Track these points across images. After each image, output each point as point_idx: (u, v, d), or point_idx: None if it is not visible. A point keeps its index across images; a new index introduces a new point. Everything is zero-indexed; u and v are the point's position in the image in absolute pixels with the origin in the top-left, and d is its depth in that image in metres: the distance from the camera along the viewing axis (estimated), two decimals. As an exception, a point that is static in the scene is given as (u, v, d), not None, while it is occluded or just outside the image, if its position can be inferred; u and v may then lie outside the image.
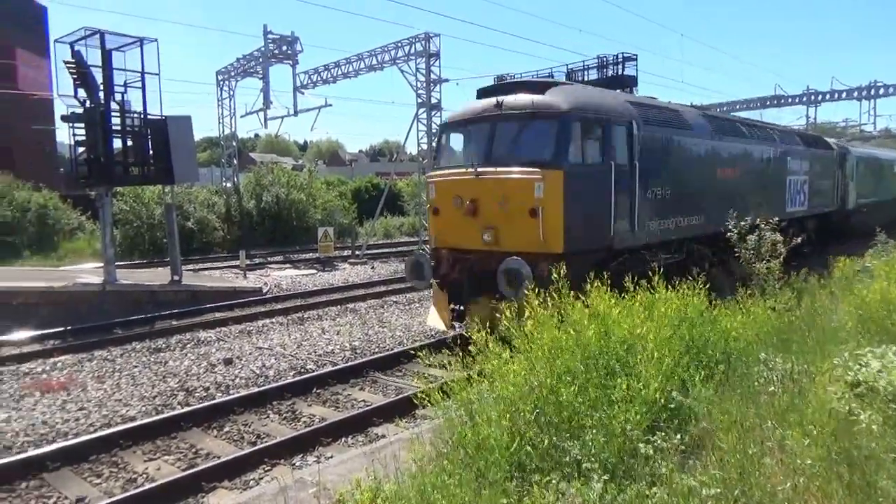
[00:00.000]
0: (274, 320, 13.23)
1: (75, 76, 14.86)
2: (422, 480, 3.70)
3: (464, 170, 9.28)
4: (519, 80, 9.85)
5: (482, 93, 10.03)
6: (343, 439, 6.86)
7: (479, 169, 8.96)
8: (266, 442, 6.75)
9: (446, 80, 25.25)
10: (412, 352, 9.47)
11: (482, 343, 4.73)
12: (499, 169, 8.79)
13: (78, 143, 15.29)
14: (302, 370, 9.46)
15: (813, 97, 44.90)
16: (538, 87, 9.31)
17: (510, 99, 9.17)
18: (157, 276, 17.13)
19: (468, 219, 9.06)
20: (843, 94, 43.77)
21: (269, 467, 6.18)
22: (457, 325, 9.92)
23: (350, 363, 9.58)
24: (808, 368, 5.36)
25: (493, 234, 8.85)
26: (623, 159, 9.45)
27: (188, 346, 11.20)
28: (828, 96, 44.29)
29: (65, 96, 15.37)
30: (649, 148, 10.02)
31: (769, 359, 5.58)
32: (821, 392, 4.68)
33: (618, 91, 11.09)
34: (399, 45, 25.48)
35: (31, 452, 6.48)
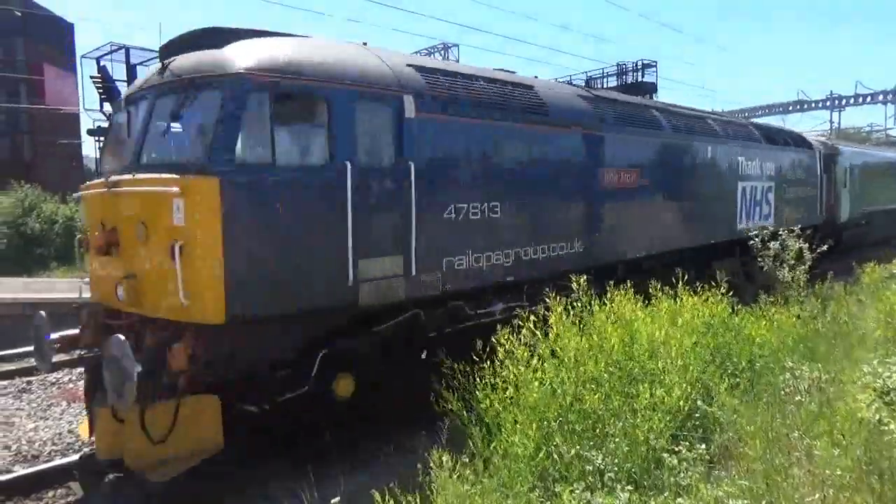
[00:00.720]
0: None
1: (101, 90, 15.20)
2: (450, 491, 3.69)
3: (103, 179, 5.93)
4: (214, 27, 6.03)
5: (164, 51, 6.25)
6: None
7: (113, 178, 5.70)
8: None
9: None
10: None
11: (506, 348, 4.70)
12: (138, 177, 5.42)
13: (103, 156, 15.62)
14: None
15: (836, 102, 44.37)
16: (223, 37, 5.72)
17: (179, 60, 5.72)
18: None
19: (107, 259, 5.73)
20: (868, 99, 43.20)
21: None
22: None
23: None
24: (835, 377, 5.28)
25: (130, 286, 5.35)
26: (382, 158, 5.99)
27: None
28: (852, 101, 43.75)
29: (91, 110, 15.75)
30: (450, 141, 6.58)
31: (795, 367, 5.51)
32: (850, 401, 4.60)
33: (394, 50, 7.07)
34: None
35: (59, 461, 6.58)
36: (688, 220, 10.53)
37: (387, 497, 3.50)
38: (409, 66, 6.57)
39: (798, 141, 15.98)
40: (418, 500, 3.53)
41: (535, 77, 8.77)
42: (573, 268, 7.73)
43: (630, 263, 9.23)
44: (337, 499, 4.45)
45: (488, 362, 4.78)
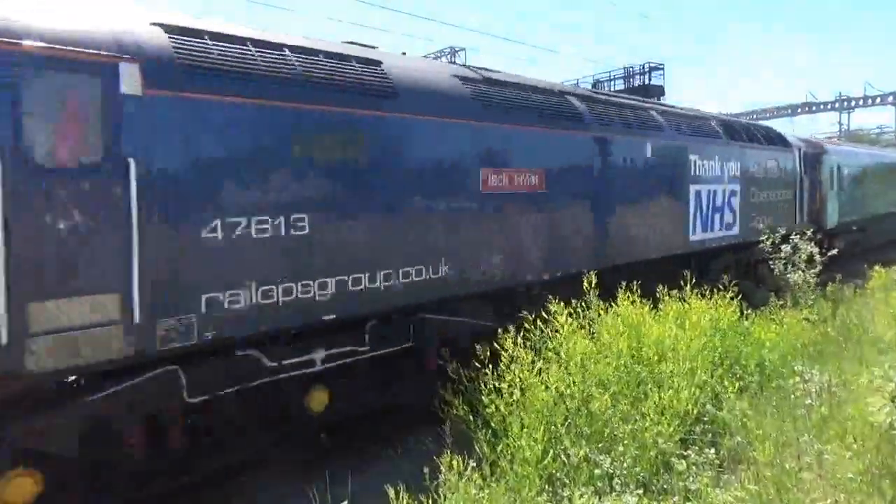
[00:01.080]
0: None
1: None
2: (460, 494, 3.68)
3: None
4: None
5: None
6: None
7: None
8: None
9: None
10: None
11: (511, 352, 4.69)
12: None
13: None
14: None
15: (846, 103, 44.19)
16: None
17: None
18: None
19: None
20: (878, 100, 42.99)
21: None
22: None
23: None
24: (845, 380, 5.25)
25: None
26: (77, 152, 4.17)
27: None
28: (860, 102, 43.57)
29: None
30: (217, 130, 4.76)
31: (805, 370, 5.47)
32: (860, 404, 4.57)
33: (145, 9, 5.04)
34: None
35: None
36: (614, 232, 8.50)
37: (402, 496, 3.50)
38: (154, 24, 4.71)
39: (771, 137, 13.75)
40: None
41: (403, 53, 7.35)
42: (441, 296, 6.32)
43: (532, 287, 7.30)
44: (345, 503, 4.46)
45: (490, 367, 4.75)
